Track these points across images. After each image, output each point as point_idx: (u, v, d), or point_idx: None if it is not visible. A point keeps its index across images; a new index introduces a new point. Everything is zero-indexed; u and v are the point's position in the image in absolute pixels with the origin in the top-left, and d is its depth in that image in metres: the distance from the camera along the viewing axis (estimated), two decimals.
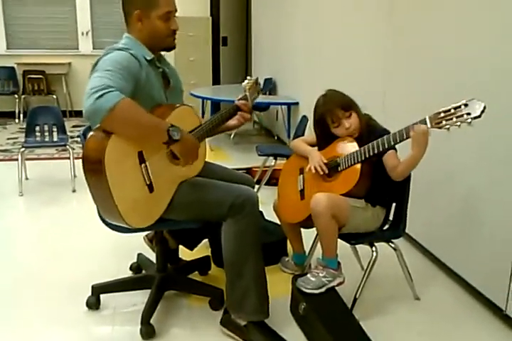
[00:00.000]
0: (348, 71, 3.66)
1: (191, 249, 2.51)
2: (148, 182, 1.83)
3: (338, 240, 2.08)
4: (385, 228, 2.26)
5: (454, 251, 2.49)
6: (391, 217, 2.28)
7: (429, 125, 1.85)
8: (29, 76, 7.06)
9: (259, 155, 3.82)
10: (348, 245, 2.27)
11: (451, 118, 1.79)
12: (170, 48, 2.03)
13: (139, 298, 2.27)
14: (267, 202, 2.63)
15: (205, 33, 7.30)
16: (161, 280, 2.23)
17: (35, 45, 7.41)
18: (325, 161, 2.17)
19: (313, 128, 2.28)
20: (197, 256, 2.54)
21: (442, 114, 1.82)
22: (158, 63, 2.02)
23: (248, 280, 1.95)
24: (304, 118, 3.90)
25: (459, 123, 1.78)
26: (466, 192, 2.39)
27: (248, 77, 2.28)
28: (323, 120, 2.19)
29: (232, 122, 2.20)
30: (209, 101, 6.04)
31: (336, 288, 2.09)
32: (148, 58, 1.94)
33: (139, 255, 2.57)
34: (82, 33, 7.49)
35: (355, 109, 2.16)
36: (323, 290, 2.04)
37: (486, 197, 2.23)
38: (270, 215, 2.63)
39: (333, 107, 2.14)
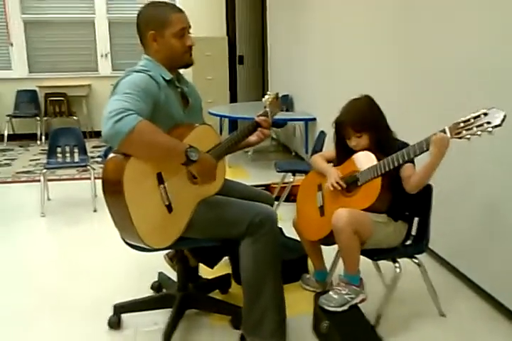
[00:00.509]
0: (364, 85, 3.65)
1: (211, 267, 2.50)
2: (167, 203, 1.83)
3: (360, 256, 2.05)
4: (407, 243, 2.22)
5: (479, 265, 2.44)
6: (413, 232, 2.25)
7: (449, 135, 1.83)
8: (50, 98, 7.21)
9: (278, 171, 3.81)
10: (369, 261, 2.23)
11: (471, 128, 1.77)
12: (188, 65, 2.04)
13: (160, 317, 2.26)
14: (286, 218, 2.61)
15: (222, 52, 7.39)
16: (182, 299, 2.22)
17: (56, 68, 7.57)
18: (341, 177, 2.15)
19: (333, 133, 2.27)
20: (217, 274, 2.53)
21: (462, 124, 1.80)
22: (177, 83, 2.04)
23: (266, 302, 1.93)
24: (322, 133, 3.89)
25: (479, 133, 1.75)
26: (488, 203, 2.35)
27: (268, 92, 2.28)
28: (337, 129, 2.20)
29: (252, 138, 2.19)
30: (227, 119, 6.08)
31: (359, 305, 2.05)
32: (167, 78, 1.96)
33: (160, 274, 2.57)
34: (102, 55, 7.64)
35: (369, 129, 2.11)
36: (346, 307, 2.01)
37: (509, 208, 2.19)
38: (290, 232, 2.61)
39: (347, 122, 2.14)
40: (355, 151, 2.17)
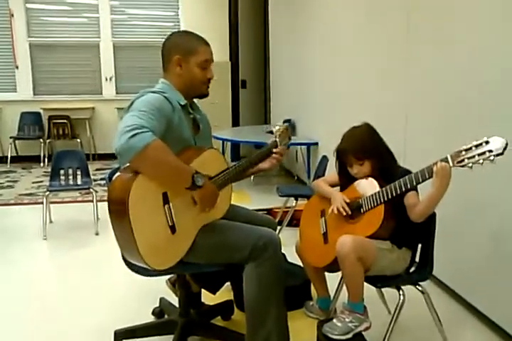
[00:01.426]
0: (367, 111, 3.69)
1: (214, 292, 2.48)
2: (170, 224, 1.84)
3: (364, 283, 2.04)
4: (411, 270, 2.21)
5: (484, 292, 2.42)
6: (417, 259, 2.23)
7: (451, 163, 1.84)
8: (54, 121, 7.27)
9: (280, 195, 3.82)
10: (373, 288, 2.22)
11: (473, 156, 1.78)
12: (203, 95, 2.11)
13: None
14: (288, 243, 2.59)
15: (225, 76, 7.50)
16: (184, 325, 2.20)
17: (60, 90, 7.66)
18: (347, 201, 2.16)
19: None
20: (219, 300, 2.51)
21: (464, 152, 1.81)
22: (190, 109, 2.08)
23: (270, 328, 1.91)
24: (324, 158, 3.91)
25: (481, 161, 1.76)
26: (493, 230, 2.34)
27: (278, 124, 2.32)
28: (339, 156, 2.22)
29: (264, 165, 2.22)
30: (229, 143, 6.11)
31: (363, 333, 2.03)
32: (182, 103, 2.00)
33: (162, 299, 2.55)
34: (106, 79, 7.74)
35: (371, 157, 2.13)
36: (350, 336, 1.98)
37: None
38: (293, 257, 2.59)
39: (348, 150, 2.15)
40: (358, 178, 2.18)
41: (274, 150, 2.19)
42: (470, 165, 1.79)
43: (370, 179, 2.13)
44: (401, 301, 2.08)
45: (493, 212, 2.32)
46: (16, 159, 7.36)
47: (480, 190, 2.41)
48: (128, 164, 1.75)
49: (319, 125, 5.08)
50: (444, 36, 2.69)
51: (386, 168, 2.14)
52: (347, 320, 2.01)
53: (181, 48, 2.02)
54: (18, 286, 3.02)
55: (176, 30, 1.90)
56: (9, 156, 7.21)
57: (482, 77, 2.38)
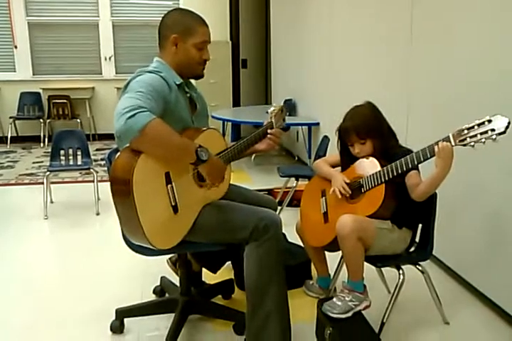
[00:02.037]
0: (368, 90, 3.66)
1: (214, 271, 2.49)
2: (173, 204, 1.83)
3: (364, 263, 2.04)
4: (411, 250, 2.21)
5: (483, 272, 2.43)
6: (417, 239, 2.24)
7: (452, 142, 1.83)
8: (54, 101, 7.23)
9: (281, 176, 3.81)
10: (373, 268, 2.23)
11: (476, 135, 1.76)
12: (198, 76, 2.08)
13: (163, 322, 2.26)
14: (289, 223, 2.60)
15: (226, 56, 7.42)
16: (185, 304, 2.21)
17: (59, 70, 7.61)
18: (348, 182, 2.15)
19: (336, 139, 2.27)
20: (220, 279, 2.52)
21: (466, 131, 1.79)
22: (186, 88, 2.06)
23: (270, 307, 1.92)
24: (325, 138, 3.89)
25: (483, 140, 1.75)
26: (494, 210, 2.34)
27: (274, 105, 2.30)
28: (340, 135, 2.20)
29: (261, 146, 2.19)
30: (230, 123, 6.09)
31: (363, 312, 2.04)
32: (178, 82, 1.98)
33: (162, 278, 2.56)
34: (105, 58, 7.67)
35: (374, 136, 2.11)
36: (349, 314, 2.00)
37: None
38: (293, 237, 2.60)
39: (350, 129, 2.13)
40: (359, 158, 2.17)
41: (269, 131, 2.17)
42: (472, 144, 1.78)
43: (371, 158, 2.12)
44: (401, 280, 2.09)
45: (494, 192, 2.32)
46: (16, 139, 7.35)
47: (481, 170, 2.40)
48: (128, 144, 1.74)
49: (320, 105, 5.04)
50: (446, 26, 2.65)
51: (388, 147, 2.13)
52: (347, 298, 2.02)
53: (179, 27, 1.98)
54: (18, 266, 3.04)
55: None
56: (9, 136, 7.20)
57: (486, 67, 2.35)
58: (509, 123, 1.70)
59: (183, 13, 2.08)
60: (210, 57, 2.05)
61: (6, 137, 7.21)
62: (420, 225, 2.23)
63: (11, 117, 7.24)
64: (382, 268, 2.43)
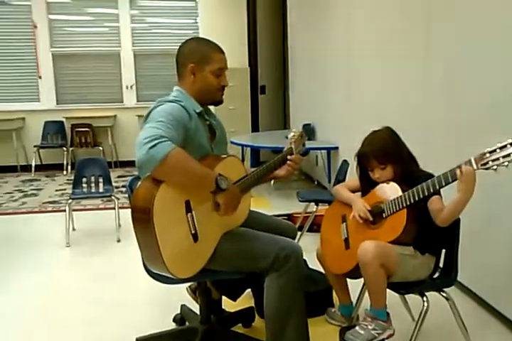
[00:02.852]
0: (387, 115, 3.65)
1: (234, 299, 2.47)
2: (193, 232, 1.84)
3: (387, 290, 2.01)
4: (435, 276, 2.16)
5: (510, 298, 2.35)
6: (441, 264, 2.19)
7: (474, 166, 1.80)
8: (77, 129, 7.38)
9: (301, 201, 3.79)
10: (396, 294, 2.18)
11: (498, 159, 1.74)
12: (218, 102, 2.11)
13: None
14: (309, 249, 2.57)
15: (244, 82, 7.52)
16: (205, 332, 2.19)
17: (82, 99, 7.78)
18: (369, 208, 2.13)
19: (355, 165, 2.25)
20: (240, 306, 2.49)
21: (488, 155, 1.77)
22: (206, 116, 2.09)
23: (290, 338, 1.89)
24: (345, 162, 3.87)
25: (506, 163, 1.72)
26: None
27: (294, 130, 2.31)
28: (359, 161, 2.19)
29: (280, 172, 2.20)
30: (249, 149, 6.12)
31: (386, 340, 1.99)
32: (197, 111, 2.01)
33: (183, 306, 2.54)
34: (127, 87, 7.82)
35: (393, 162, 2.10)
36: None
37: None
38: (313, 263, 2.57)
39: (369, 154, 2.12)
40: (379, 183, 2.15)
41: (289, 157, 2.18)
42: (495, 167, 1.76)
43: (391, 183, 2.10)
44: (425, 308, 2.04)
45: None
46: (40, 167, 7.48)
47: (504, 194, 2.35)
48: (149, 173, 1.76)
49: (339, 129, 5.05)
50: (464, 40, 2.65)
51: (408, 172, 2.11)
52: (370, 327, 1.98)
53: (195, 56, 2.02)
54: (40, 294, 3.06)
55: None
56: (33, 165, 7.33)
57: (502, 81, 2.34)
58: None
59: (198, 41, 2.13)
60: (228, 83, 2.08)
61: (31, 165, 7.35)
62: (444, 250, 2.18)
63: (35, 146, 7.39)
64: (406, 295, 2.37)
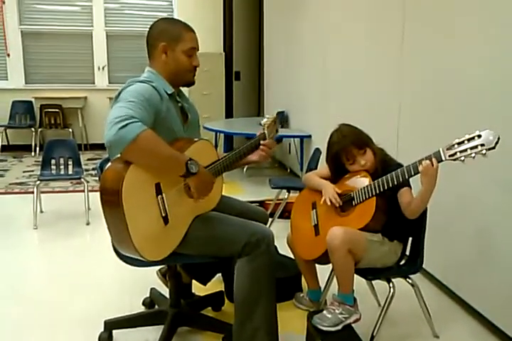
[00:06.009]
0: (360, 104, 3.69)
1: (204, 283, 2.48)
2: (163, 214, 1.83)
3: (354, 275, 2.05)
4: (401, 263, 2.22)
5: (472, 286, 2.44)
6: (408, 252, 2.25)
7: (443, 157, 1.85)
8: (46, 110, 7.21)
9: (273, 187, 3.82)
10: (363, 280, 2.23)
11: (466, 150, 1.79)
12: (190, 84, 2.09)
13: (152, 334, 2.24)
14: (280, 235, 2.59)
15: (219, 68, 7.46)
16: (174, 316, 2.20)
17: (52, 79, 7.60)
18: (339, 192, 2.16)
19: (327, 163, 2.27)
20: (210, 290, 2.51)
21: (456, 146, 1.82)
22: (178, 98, 2.06)
23: (258, 322, 1.91)
24: (317, 150, 3.91)
25: (473, 155, 1.77)
26: (483, 224, 2.35)
27: (267, 116, 2.30)
28: (338, 158, 2.19)
29: (253, 157, 2.19)
30: (222, 135, 6.10)
31: (353, 325, 2.04)
32: (169, 92, 1.98)
33: (152, 290, 2.54)
34: (99, 68, 7.68)
35: (369, 144, 2.16)
36: (339, 327, 1.99)
37: (503, 230, 2.20)
38: (284, 249, 2.60)
39: (348, 145, 2.14)
40: (349, 172, 2.19)
41: (262, 142, 2.18)
42: (462, 158, 1.80)
43: (362, 172, 2.14)
44: (391, 294, 2.09)
45: (483, 205, 2.33)
46: (7, 148, 7.31)
47: (470, 185, 2.42)
48: (119, 155, 1.74)
49: (312, 117, 5.07)
50: (441, 26, 2.69)
51: (382, 154, 2.18)
52: (337, 311, 2.02)
53: (166, 35, 1.99)
54: (7, 275, 3.01)
55: None
56: (0, 145, 7.15)
57: (474, 71, 2.38)
58: (499, 138, 1.72)
59: (168, 21, 2.09)
60: (199, 64, 2.05)
61: None
62: (410, 238, 2.24)
63: (2, 126, 7.21)
64: (373, 281, 2.43)
